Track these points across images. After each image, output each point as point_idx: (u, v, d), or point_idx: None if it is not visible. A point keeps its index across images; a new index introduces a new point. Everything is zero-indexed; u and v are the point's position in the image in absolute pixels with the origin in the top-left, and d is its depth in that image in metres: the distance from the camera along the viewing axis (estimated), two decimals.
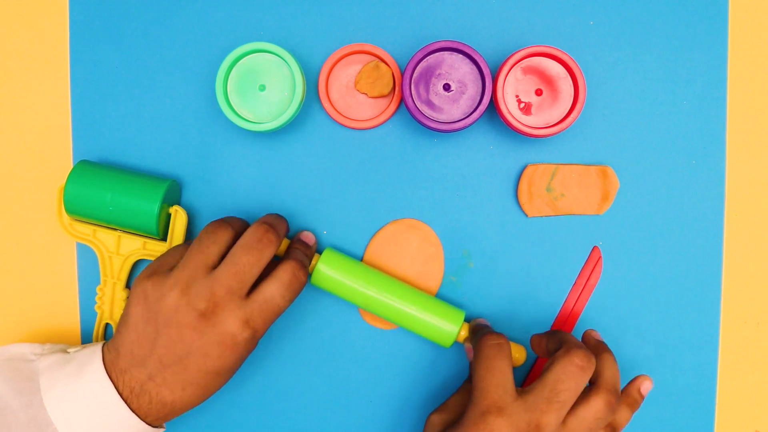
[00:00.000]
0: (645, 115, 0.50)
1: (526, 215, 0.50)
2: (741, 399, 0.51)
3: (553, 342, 0.44)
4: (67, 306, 0.52)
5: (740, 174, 0.51)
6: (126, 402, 0.42)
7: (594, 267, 0.50)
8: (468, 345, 0.48)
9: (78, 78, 0.52)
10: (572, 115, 0.46)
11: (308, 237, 0.49)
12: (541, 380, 0.41)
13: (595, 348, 0.45)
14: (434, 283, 0.51)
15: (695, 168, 0.50)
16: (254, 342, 0.44)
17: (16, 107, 0.52)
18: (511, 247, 0.51)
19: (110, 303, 0.51)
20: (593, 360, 0.41)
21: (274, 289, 0.43)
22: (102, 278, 0.50)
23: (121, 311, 0.51)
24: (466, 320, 0.50)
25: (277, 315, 0.44)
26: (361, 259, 0.51)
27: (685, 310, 0.50)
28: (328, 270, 0.47)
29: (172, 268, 0.44)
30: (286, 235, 0.48)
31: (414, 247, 0.50)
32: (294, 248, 0.47)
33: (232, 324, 0.42)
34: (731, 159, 0.51)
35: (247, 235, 0.44)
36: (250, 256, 0.43)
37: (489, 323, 0.49)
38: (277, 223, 0.45)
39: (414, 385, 0.51)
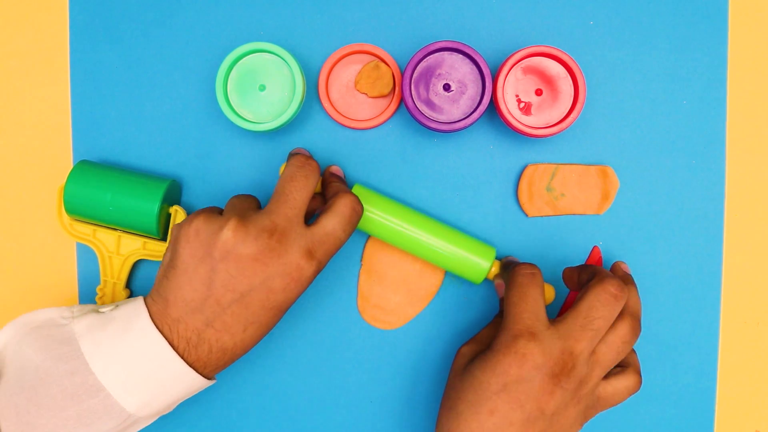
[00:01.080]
0: (645, 115, 0.50)
1: (527, 215, 0.50)
2: (741, 399, 0.51)
3: (586, 274, 0.43)
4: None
5: (740, 174, 0.51)
6: (182, 356, 0.40)
7: None
8: (498, 281, 0.48)
9: (78, 78, 0.52)
10: (572, 115, 0.46)
11: (338, 170, 0.48)
12: (574, 309, 0.40)
13: (623, 279, 0.45)
14: (435, 280, 0.51)
15: (695, 168, 0.50)
16: (316, 275, 0.42)
17: (16, 107, 0.52)
18: (511, 247, 0.51)
19: (110, 303, 0.51)
20: (626, 289, 0.41)
21: (335, 223, 0.42)
22: (102, 278, 0.50)
23: None
24: (497, 258, 0.50)
25: (338, 248, 0.42)
26: (363, 252, 0.51)
27: (685, 310, 0.50)
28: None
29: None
30: None
31: None
32: (333, 182, 0.46)
33: (296, 253, 0.40)
34: (731, 159, 0.51)
35: (288, 168, 0.43)
36: (296, 183, 0.42)
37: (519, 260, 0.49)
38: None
39: (415, 386, 0.51)
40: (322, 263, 0.42)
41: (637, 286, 0.50)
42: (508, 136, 0.50)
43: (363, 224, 0.48)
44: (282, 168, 0.47)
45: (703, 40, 0.50)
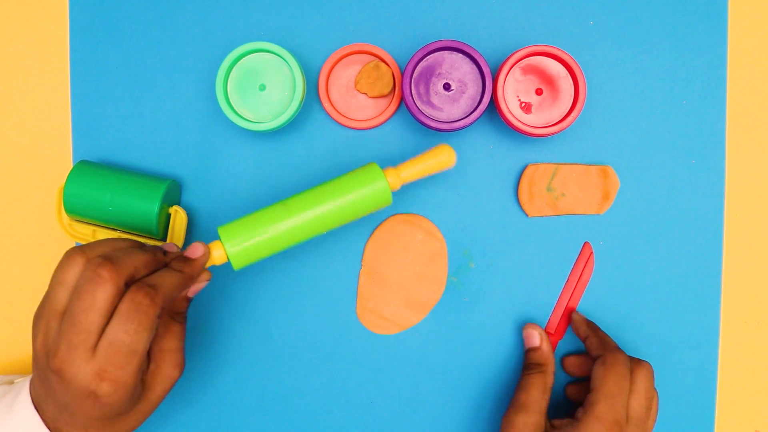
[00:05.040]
0: (645, 115, 0.50)
1: (527, 215, 0.50)
2: (741, 399, 0.51)
3: (595, 344, 0.47)
4: None
5: (740, 174, 0.51)
6: None
7: (586, 263, 0.50)
8: (530, 330, 0.49)
9: (78, 78, 0.52)
10: (572, 115, 0.46)
11: (192, 250, 0.42)
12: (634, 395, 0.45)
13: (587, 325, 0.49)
14: (438, 285, 0.50)
15: (695, 168, 0.50)
16: (126, 389, 0.37)
17: (16, 107, 0.52)
18: (512, 247, 0.51)
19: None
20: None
21: (115, 327, 0.36)
22: None
23: None
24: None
25: (132, 355, 0.37)
26: (363, 251, 0.51)
27: (685, 309, 0.50)
28: (236, 246, 0.42)
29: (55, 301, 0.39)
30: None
31: (418, 241, 0.50)
32: (160, 271, 0.40)
33: (84, 380, 0.36)
34: (731, 159, 0.51)
35: (79, 279, 0.37)
36: (81, 302, 0.36)
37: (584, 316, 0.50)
38: (116, 254, 0.38)
39: (415, 386, 0.51)
40: (121, 380, 0.37)
41: (638, 286, 0.50)
42: (508, 136, 0.50)
43: (255, 256, 0.43)
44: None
45: (703, 40, 0.50)
